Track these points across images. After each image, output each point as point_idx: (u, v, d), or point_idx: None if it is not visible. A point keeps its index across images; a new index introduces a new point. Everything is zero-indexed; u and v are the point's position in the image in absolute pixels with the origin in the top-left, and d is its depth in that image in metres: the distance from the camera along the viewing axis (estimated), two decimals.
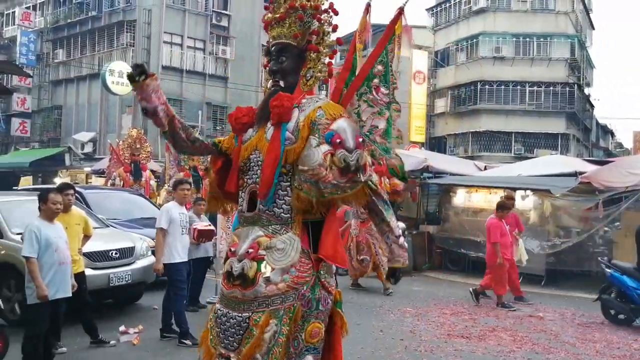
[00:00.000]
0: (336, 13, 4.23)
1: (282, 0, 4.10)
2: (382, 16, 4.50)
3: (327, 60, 4.18)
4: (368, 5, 4.55)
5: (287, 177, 3.87)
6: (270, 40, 4.19)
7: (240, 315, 3.82)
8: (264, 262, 3.80)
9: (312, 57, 4.12)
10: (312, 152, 3.73)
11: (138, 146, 17.53)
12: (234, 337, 3.83)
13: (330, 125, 3.79)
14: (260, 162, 3.95)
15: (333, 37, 4.27)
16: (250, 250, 3.84)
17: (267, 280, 3.77)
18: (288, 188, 3.88)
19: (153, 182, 18.37)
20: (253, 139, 4.06)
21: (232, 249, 3.99)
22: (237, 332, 3.81)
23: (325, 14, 4.18)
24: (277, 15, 4.10)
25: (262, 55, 4.47)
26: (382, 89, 4.37)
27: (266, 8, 4.26)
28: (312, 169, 3.70)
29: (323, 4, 4.16)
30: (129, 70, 3.80)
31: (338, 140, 3.71)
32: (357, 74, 4.43)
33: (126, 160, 17.28)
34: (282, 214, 3.90)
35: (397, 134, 4.54)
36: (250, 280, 3.79)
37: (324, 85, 4.64)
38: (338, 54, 4.50)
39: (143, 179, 17.23)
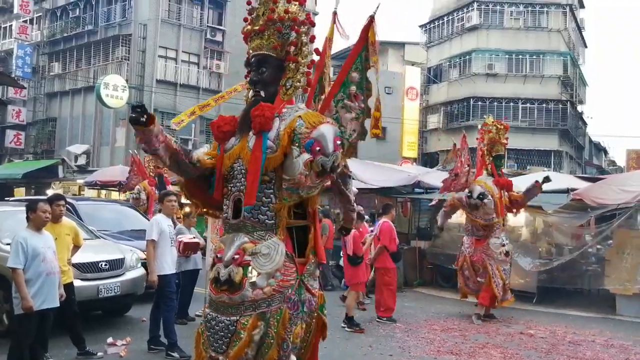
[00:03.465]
0: (313, 25, 4.46)
1: (261, 13, 4.25)
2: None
3: (305, 69, 4.32)
4: (334, 14, 4.72)
5: (271, 185, 4.04)
6: (250, 51, 4.34)
7: (228, 319, 3.97)
8: (250, 267, 3.96)
9: (291, 67, 4.27)
10: (294, 163, 3.92)
11: None
12: (222, 340, 3.97)
13: (311, 134, 3.96)
14: (243, 171, 4.10)
15: (311, 47, 4.45)
16: (236, 257, 3.99)
17: (254, 284, 3.93)
18: (272, 195, 4.05)
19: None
20: (235, 147, 4.20)
21: (219, 255, 4.12)
22: (226, 335, 3.96)
23: (303, 26, 4.31)
24: (257, 28, 4.26)
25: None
26: (360, 96, 4.47)
27: (245, 20, 4.41)
28: (293, 179, 3.92)
29: (300, 17, 4.28)
30: (131, 113, 3.85)
31: (317, 148, 3.92)
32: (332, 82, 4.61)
33: (151, 174, 15.67)
34: (267, 220, 4.06)
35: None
36: (237, 285, 3.94)
37: (303, 95, 4.74)
38: (332, 68, 4.64)
39: None
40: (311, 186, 3.96)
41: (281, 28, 4.21)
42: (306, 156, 3.90)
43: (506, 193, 10.99)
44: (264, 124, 4.00)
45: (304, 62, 4.30)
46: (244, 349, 3.87)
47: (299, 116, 4.06)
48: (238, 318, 3.92)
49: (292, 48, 4.27)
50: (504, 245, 10.76)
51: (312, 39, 4.45)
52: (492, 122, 11.37)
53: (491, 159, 11.20)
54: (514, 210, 11.41)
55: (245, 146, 4.13)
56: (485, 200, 10.70)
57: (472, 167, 11.18)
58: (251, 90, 4.43)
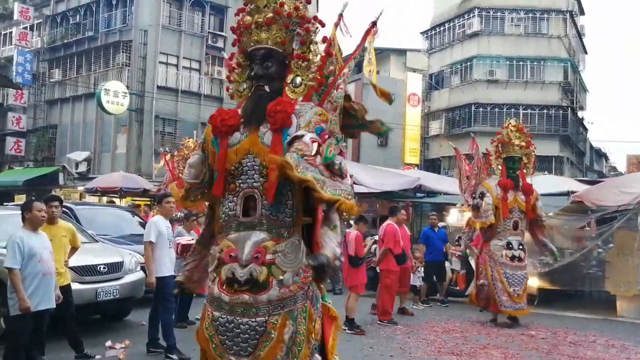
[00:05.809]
0: (323, 25, 4.35)
1: (262, 5, 4.18)
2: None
3: (316, 68, 4.25)
4: (340, 16, 4.71)
5: (289, 182, 3.88)
6: (252, 43, 4.24)
7: (254, 320, 3.84)
8: (274, 265, 3.86)
9: (301, 65, 4.21)
10: (300, 134, 3.88)
11: None
12: (247, 342, 3.84)
13: (322, 124, 3.98)
14: (256, 167, 3.99)
15: (321, 48, 4.38)
16: (258, 255, 3.86)
17: (281, 283, 3.84)
18: (289, 193, 3.95)
19: None
20: (244, 142, 4.06)
21: (232, 255, 3.94)
22: (252, 337, 3.83)
23: (312, 25, 4.26)
24: (261, 20, 4.16)
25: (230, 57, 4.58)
26: (342, 86, 4.51)
27: (242, 10, 4.32)
28: (297, 144, 3.81)
29: (308, 14, 4.25)
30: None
31: (327, 136, 3.91)
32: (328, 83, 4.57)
33: (180, 175, 14.20)
34: (286, 218, 3.97)
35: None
36: (262, 284, 3.84)
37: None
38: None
39: None
40: (320, 173, 3.73)
41: (289, 24, 4.17)
42: (313, 135, 3.86)
43: (522, 196, 10.77)
44: (285, 120, 3.92)
45: (315, 62, 4.25)
46: (276, 349, 3.78)
47: (315, 112, 4.04)
48: (267, 318, 3.81)
49: (302, 46, 4.23)
50: (510, 249, 10.60)
51: (324, 39, 4.43)
52: (508, 124, 11.23)
53: (501, 160, 11.03)
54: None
55: (256, 141, 4.00)
56: (485, 199, 10.62)
57: (482, 170, 11.16)
58: (243, 83, 4.38)
